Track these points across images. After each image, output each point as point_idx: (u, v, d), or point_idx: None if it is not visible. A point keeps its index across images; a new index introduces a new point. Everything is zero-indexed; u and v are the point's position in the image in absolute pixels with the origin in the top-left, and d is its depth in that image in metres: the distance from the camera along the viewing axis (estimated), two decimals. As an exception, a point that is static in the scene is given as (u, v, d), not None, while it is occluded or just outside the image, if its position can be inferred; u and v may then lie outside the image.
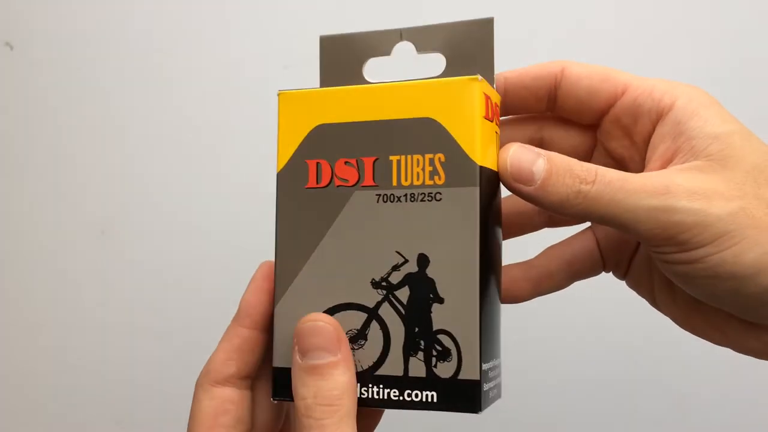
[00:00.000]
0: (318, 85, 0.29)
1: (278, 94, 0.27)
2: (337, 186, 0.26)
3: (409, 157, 0.25)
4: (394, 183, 0.25)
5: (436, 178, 0.25)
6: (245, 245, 0.52)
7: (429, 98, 0.25)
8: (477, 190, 0.24)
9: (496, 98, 0.27)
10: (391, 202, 0.25)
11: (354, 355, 0.26)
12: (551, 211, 0.25)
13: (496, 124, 0.27)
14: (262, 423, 0.28)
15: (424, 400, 0.25)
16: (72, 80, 0.52)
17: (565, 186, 0.24)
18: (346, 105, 0.26)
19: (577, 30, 0.51)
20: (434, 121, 0.25)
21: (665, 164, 0.26)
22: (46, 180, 0.52)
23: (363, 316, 0.26)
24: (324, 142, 0.26)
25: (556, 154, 0.25)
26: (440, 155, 0.25)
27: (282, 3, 0.52)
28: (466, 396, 0.24)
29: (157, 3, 0.52)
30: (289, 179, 0.27)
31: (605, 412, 0.51)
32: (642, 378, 0.50)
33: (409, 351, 0.25)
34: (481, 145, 0.25)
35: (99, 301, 0.51)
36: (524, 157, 0.25)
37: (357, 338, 0.26)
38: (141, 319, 0.51)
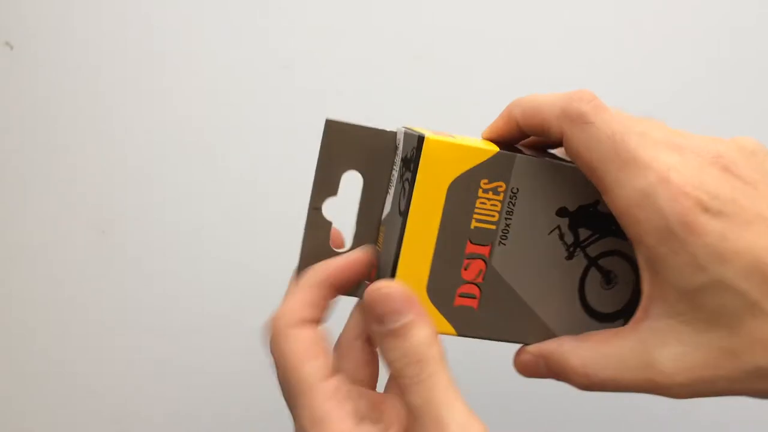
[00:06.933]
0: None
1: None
2: None
3: None
4: None
5: None
6: (246, 245, 0.52)
7: None
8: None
9: None
10: None
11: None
12: None
13: None
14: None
15: None
16: (72, 80, 0.52)
17: None
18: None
19: (576, 29, 0.51)
20: None
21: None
22: (46, 180, 0.52)
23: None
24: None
25: None
26: None
27: (282, 3, 0.52)
28: None
29: (157, 3, 0.52)
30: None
31: (605, 412, 0.51)
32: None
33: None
34: None
35: (99, 300, 0.51)
36: None
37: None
38: (141, 319, 0.51)
